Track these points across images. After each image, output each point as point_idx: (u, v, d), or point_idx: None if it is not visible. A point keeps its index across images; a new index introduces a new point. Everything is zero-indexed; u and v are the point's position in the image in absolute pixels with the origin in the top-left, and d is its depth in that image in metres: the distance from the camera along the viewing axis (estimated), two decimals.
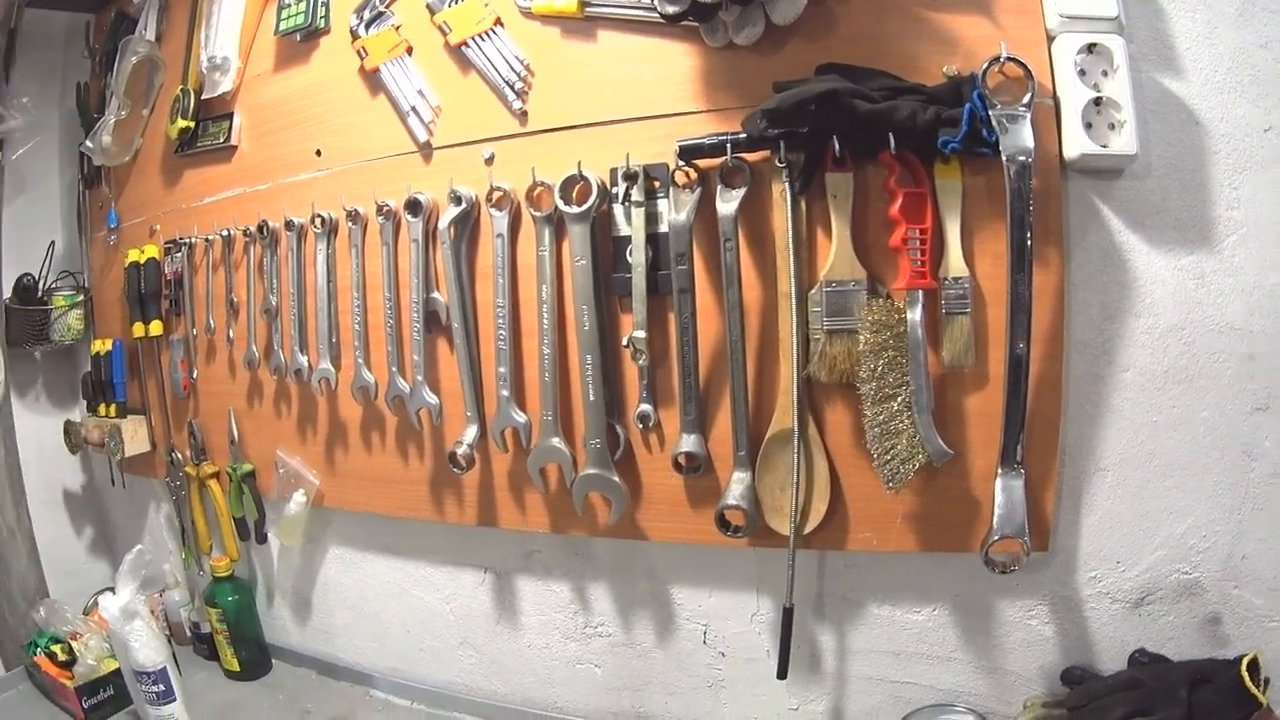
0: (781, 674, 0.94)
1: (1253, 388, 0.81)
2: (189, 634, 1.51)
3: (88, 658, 1.33)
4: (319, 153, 1.15)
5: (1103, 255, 0.82)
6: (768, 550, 0.94)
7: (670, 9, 0.82)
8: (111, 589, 1.19)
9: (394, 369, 1.11)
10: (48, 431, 1.67)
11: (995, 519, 0.81)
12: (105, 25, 1.47)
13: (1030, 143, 0.74)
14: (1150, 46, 0.80)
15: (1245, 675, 0.75)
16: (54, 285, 1.62)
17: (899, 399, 0.81)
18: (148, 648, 1.16)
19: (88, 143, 1.41)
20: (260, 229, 1.21)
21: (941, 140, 0.75)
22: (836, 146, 0.78)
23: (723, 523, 0.92)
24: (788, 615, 0.92)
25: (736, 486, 0.91)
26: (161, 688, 1.17)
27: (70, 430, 1.59)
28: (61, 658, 1.36)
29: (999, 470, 0.81)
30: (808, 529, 0.90)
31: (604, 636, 1.11)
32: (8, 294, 1.56)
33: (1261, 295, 0.80)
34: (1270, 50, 0.79)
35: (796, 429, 0.86)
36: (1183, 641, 0.86)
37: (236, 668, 1.39)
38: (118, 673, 1.27)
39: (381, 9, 1.08)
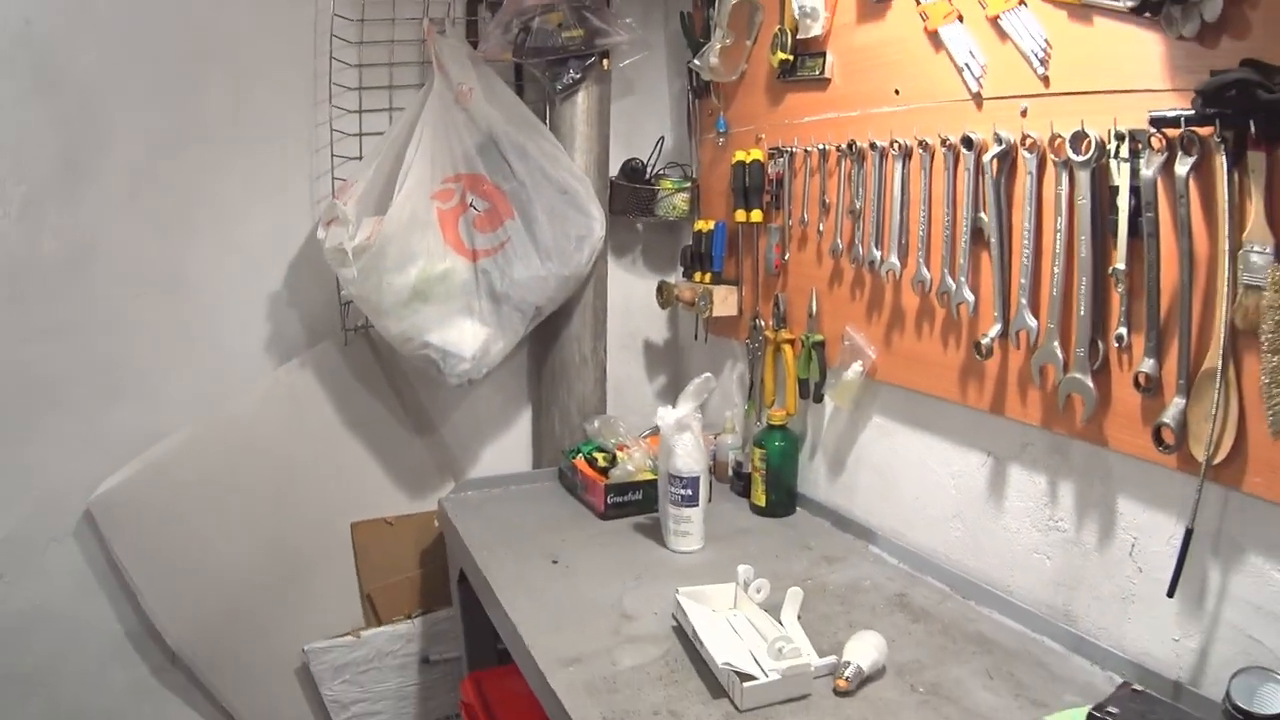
0: (1170, 592, 1.47)
1: None
2: (730, 473, 2.59)
3: (627, 465, 2.44)
4: (897, 91, 1.98)
5: None
6: (1188, 478, 1.47)
7: (1128, 2, 1.44)
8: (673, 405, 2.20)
9: (945, 270, 1.90)
10: (639, 289, 2.95)
11: None
12: None
13: None
14: None
15: None
16: (661, 172, 2.82)
17: None
18: (689, 457, 2.17)
19: (696, 61, 2.52)
20: (849, 147, 2.11)
21: None
22: (1252, 128, 1.29)
23: (1158, 438, 1.52)
24: (1187, 536, 1.46)
25: (1173, 409, 1.49)
26: (689, 492, 2.18)
27: (664, 288, 2.79)
28: (601, 464, 2.48)
29: None
30: (1217, 460, 1.42)
31: (1060, 531, 1.78)
32: (614, 173, 2.76)
33: None
34: None
35: (1220, 369, 1.41)
36: None
37: (763, 504, 2.40)
38: (649, 484, 2.32)
39: None
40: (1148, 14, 1.44)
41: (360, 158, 2.62)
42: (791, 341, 2.39)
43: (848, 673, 1.61)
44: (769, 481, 2.41)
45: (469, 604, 2.43)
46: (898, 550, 2.16)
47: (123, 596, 2.63)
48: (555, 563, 2.17)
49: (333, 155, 2.62)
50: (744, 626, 1.78)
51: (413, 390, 2.86)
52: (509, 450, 3.02)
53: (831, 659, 1.65)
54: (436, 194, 2.50)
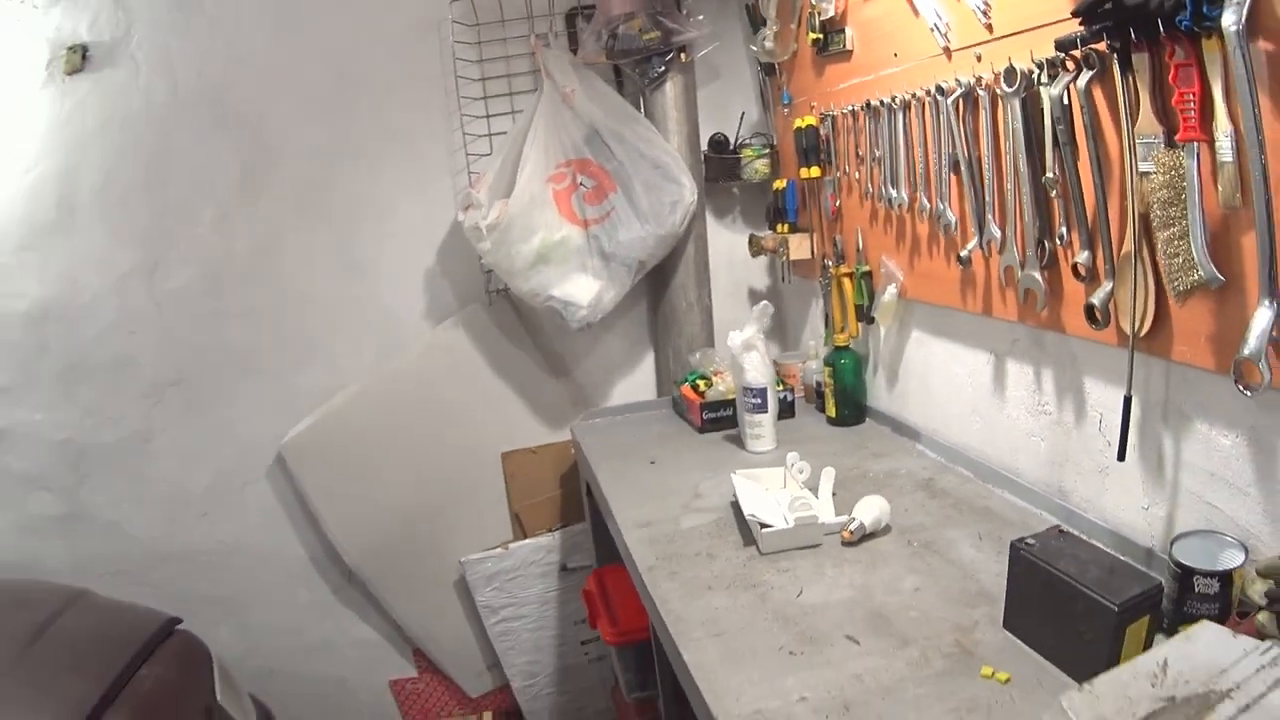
0: (1120, 456, 1.61)
1: None
2: (815, 394, 2.85)
3: (719, 387, 2.75)
4: (895, 54, 2.21)
5: None
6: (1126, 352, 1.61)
7: None
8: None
9: (937, 198, 2.13)
10: (739, 244, 3.22)
11: (1246, 342, 1.28)
12: None
13: (1237, 14, 1.23)
14: None
15: None
16: (746, 141, 3.12)
17: (1178, 227, 1.45)
18: (755, 371, 2.47)
19: (752, 46, 2.83)
20: (867, 105, 2.35)
21: (1177, 19, 1.31)
22: (1133, 33, 1.43)
23: (1090, 316, 1.71)
24: (1127, 402, 1.62)
25: (1101, 291, 1.68)
26: (759, 401, 2.47)
27: (753, 240, 3.08)
28: (702, 388, 2.79)
29: (1261, 301, 1.28)
30: (1143, 332, 1.57)
31: (1047, 414, 1.96)
32: (705, 146, 3.09)
33: None
34: None
35: (1134, 250, 1.60)
36: None
37: (834, 415, 2.67)
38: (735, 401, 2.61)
39: None
40: None
41: (490, 154, 3.02)
42: (849, 274, 2.63)
43: (851, 526, 1.88)
44: (838, 396, 2.67)
45: (596, 514, 2.78)
46: (937, 446, 2.38)
47: (307, 527, 3.13)
48: (653, 463, 2.53)
49: (467, 154, 3.05)
50: (785, 498, 2.06)
51: (548, 340, 3.26)
52: (636, 386, 3.38)
53: (843, 518, 1.92)
54: (551, 177, 2.89)
